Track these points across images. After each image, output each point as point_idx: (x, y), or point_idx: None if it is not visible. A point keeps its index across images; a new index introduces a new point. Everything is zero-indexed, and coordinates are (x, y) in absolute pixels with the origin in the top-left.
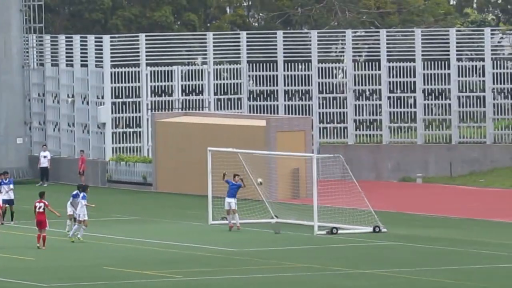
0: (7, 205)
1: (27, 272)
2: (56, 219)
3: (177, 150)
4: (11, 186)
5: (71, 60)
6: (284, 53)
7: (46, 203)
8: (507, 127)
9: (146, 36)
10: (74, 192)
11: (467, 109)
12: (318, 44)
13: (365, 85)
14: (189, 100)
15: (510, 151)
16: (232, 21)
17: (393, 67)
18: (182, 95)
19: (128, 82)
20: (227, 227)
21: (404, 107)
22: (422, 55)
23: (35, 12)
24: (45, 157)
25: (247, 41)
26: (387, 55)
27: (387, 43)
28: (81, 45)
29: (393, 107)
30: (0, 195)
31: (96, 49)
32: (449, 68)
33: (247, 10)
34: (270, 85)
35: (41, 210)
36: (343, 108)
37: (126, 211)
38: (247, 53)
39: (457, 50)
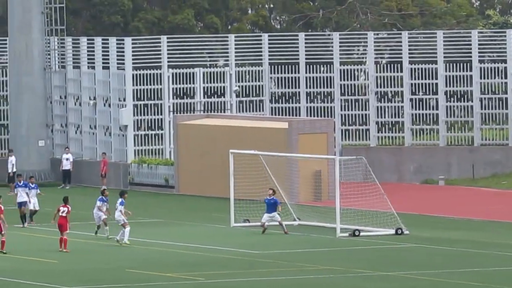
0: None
1: (49, 275)
2: (79, 221)
3: (199, 152)
4: (38, 191)
5: (93, 62)
6: (306, 55)
7: (69, 208)
8: None
9: (167, 38)
10: (100, 197)
11: (489, 111)
12: (340, 46)
13: (387, 87)
14: (211, 102)
15: None
16: (253, 21)
17: (415, 69)
18: (204, 97)
19: (150, 84)
20: (249, 229)
21: (426, 109)
22: (444, 57)
23: (57, 14)
24: (67, 159)
25: (269, 43)
26: (409, 57)
27: (409, 45)
28: (102, 47)
29: (415, 109)
30: (21, 197)
31: (117, 51)
32: (471, 70)
33: (269, 12)
34: (292, 87)
35: (63, 214)
36: (365, 110)
37: (148, 213)
38: (269, 55)
39: (479, 52)
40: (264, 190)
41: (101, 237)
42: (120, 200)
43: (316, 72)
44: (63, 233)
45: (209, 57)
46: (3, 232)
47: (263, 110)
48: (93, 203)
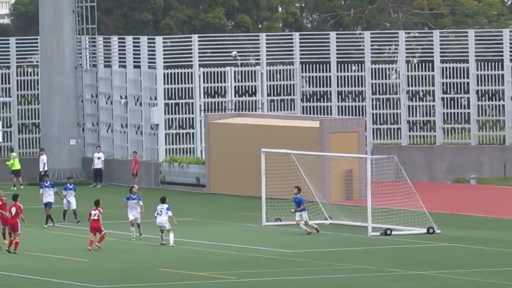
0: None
1: (81, 274)
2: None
3: (230, 151)
4: (73, 192)
5: (124, 61)
6: (337, 54)
7: (101, 211)
8: None
9: (199, 37)
10: (129, 195)
11: None
12: (371, 45)
13: (419, 86)
14: (242, 101)
15: None
16: (283, 19)
17: (446, 68)
18: (235, 96)
19: (181, 83)
20: (280, 228)
21: (457, 108)
22: (476, 56)
23: (88, 13)
24: (99, 158)
25: (300, 42)
26: (441, 56)
27: (441, 44)
28: (134, 46)
29: (447, 108)
30: (46, 198)
31: (149, 50)
32: (502, 69)
33: (300, 11)
34: (323, 86)
35: (95, 217)
36: (397, 109)
37: (180, 212)
38: (300, 54)
39: (510, 51)
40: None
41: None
42: (167, 206)
43: (348, 71)
44: (95, 236)
45: (240, 56)
46: (18, 232)
47: (294, 109)
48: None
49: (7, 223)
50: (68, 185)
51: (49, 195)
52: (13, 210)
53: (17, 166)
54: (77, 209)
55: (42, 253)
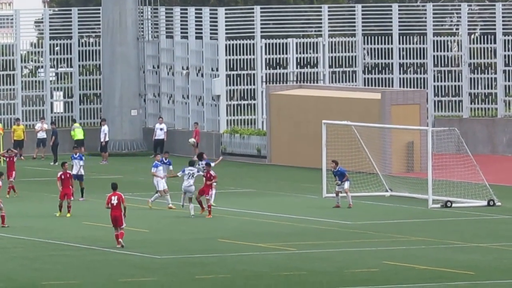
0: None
1: (141, 245)
2: (171, 191)
3: (291, 122)
4: (170, 167)
5: (186, 32)
6: (399, 26)
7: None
8: None
9: (261, 8)
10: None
11: None
12: (434, 17)
13: (481, 58)
14: (303, 73)
15: None
16: None
17: (508, 40)
18: (296, 67)
19: (243, 55)
20: (340, 200)
21: None
22: None
23: None
24: (161, 129)
25: (362, 14)
26: (503, 29)
27: (503, 16)
28: (196, 17)
29: (509, 81)
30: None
31: (211, 21)
32: None
33: None
34: (385, 58)
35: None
36: (458, 81)
37: (241, 183)
38: (362, 26)
39: None
40: (356, 161)
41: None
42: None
43: (410, 43)
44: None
45: (302, 27)
46: (123, 226)
47: (355, 81)
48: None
49: (63, 197)
50: (164, 159)
51: (76, 167)
52: (114, 199)
53: (79, 136)
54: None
55: (102, 223)
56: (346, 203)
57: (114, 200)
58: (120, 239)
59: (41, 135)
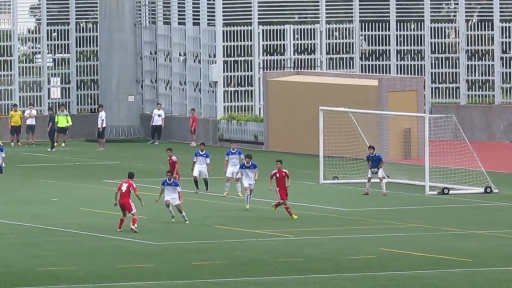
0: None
1: (139, 231)
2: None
3: (288, 109)
4: (207, 160)
5: (183, 19)
6: (397, 12)
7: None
8: None
9: None
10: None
11: None
12: (431, 4)
13: (478, 45)
14: (301, 59)
15: None
16: None
17: (506, 27)
18: (294, 54)
19: (240, 41)
20: (337, 187)
21: None
22: None
23: None
24: (159, 115)
25: (360, 0)
26: (500, 16)
27: (500, 3)
28: (193, 3)
29: (506, 68)
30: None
31: (208, 7)
32: None
33: None
34: (382, 45)
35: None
36: (456, 68)
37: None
38: (360, 12)
39: None
40: (353, 147)
41: (190, 194)
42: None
43: (407, 30)
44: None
45: (300, 14)
46: (133, 211)
47: (353, 68)
48: (182, 158)
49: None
50: (200, 151)
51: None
52: (124, 186)
53: (61, 123)
54: (208, 177)
55: (99, 209)
56: (375, 192)
57: (124, 187)
58: (132, 226)
59: (30, 121)
